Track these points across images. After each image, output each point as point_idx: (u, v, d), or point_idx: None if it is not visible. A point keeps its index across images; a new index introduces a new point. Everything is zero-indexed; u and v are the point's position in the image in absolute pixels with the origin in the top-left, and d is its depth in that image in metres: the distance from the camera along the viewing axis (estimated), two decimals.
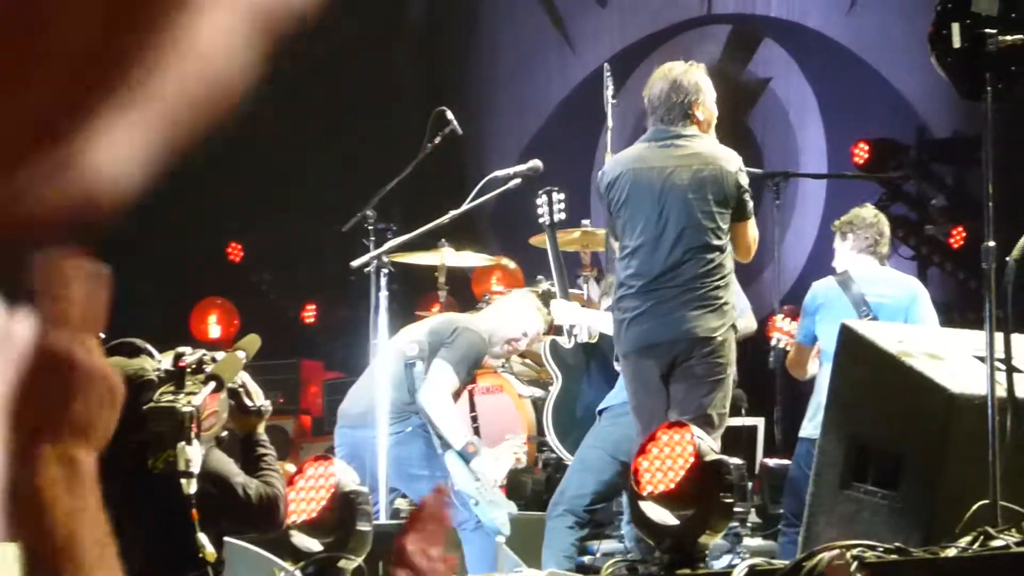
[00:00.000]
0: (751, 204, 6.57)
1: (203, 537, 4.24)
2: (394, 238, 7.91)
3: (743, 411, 8.40)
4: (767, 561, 5.71)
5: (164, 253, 12.93)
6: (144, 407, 4.21)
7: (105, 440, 1.25)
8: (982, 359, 5.41)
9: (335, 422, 7.61)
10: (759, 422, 9.07)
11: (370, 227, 8.16)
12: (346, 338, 13.16)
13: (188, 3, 0.40)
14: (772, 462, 8.74)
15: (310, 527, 5.31)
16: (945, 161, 12.60)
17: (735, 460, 5.56)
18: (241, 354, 4.51)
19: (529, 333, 7.56)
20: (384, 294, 7.54)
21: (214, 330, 13.35)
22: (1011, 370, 5.35)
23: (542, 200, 7.71)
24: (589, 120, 11.41)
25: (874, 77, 12.94)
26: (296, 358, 12.58)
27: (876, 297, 7.71)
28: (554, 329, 7.83)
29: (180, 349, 4.41)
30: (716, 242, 6.44)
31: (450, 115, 7.97)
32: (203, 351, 4.45)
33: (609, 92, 8.46)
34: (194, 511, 4.20)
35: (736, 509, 5.90)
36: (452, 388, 7.15)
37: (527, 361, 8.75)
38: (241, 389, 4.59)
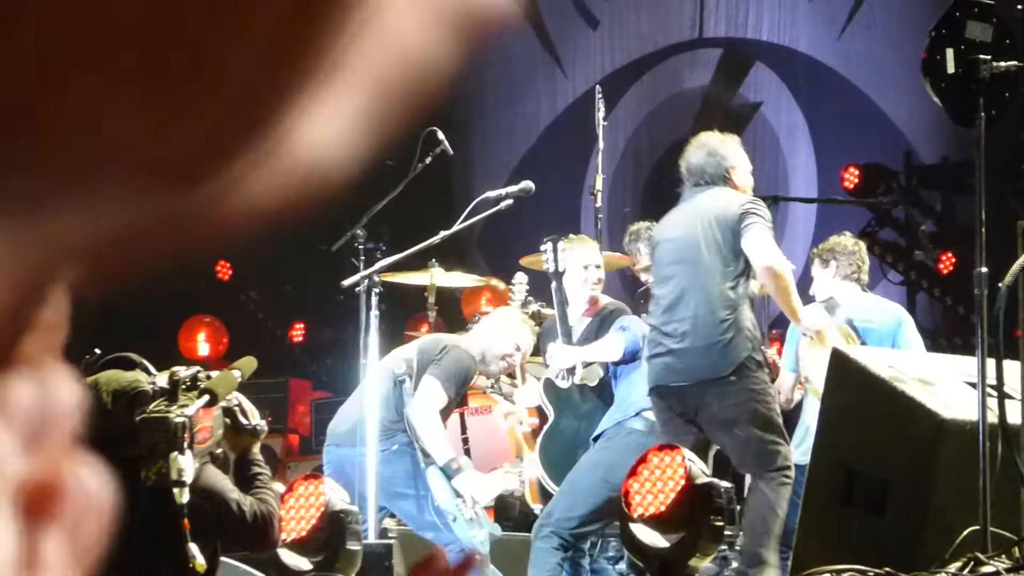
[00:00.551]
0: (752, 219, 6.56)
1: (194, 547, 4.23)
2: (384, 258, 7.90)
3: None
4: None
5: (152, 271, 12.87)
6: (137, 418, 4.21)
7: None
8: (973, 385, 5.42)
9: (323, 441, 7.60)
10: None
11: (360, 246, 8.15)
12: (334, 357, 13.16)
13: None
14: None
15: (300, 546, 5.31)
16: (934, 187, 12.63)
17: (724, 483, 5.56)
18: (237, 373, 4.53)
19: (522, 347, 7.57)
20: (374, 314, 7.53)
21: (202, 348, 13.33)
22: (1003, 396, 5.35)
23: (547, 247, 7.70)
24: (579, 141, 11.43)
25: (864, 102, 12.98)
26: (284, 377, 12.57)
27: (863, 323, 7.74)
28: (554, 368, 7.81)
29: (176, 368, 4.42)
30: (727, 284, 6.54)
31: (440, 135, 7.96)
32: (198, 368, 4.46)
33: (600, 114, 8.48)
34: (185, 520, 4.20)
35: (725, 532, 5.90)
36: (440, 404, 7.16)
37: (515, 382, 8.73)
38: (237, 408, 4.60)
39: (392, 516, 7.40)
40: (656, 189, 14.22)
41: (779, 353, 8.23)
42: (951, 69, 5.62)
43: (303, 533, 5.33)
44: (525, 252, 8.50)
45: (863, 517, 5.57)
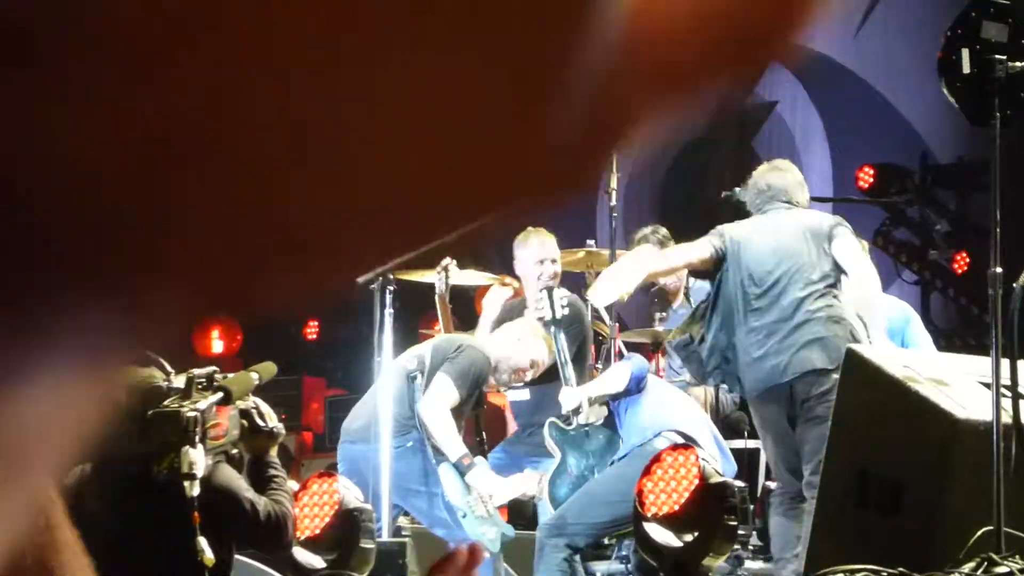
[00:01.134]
0: (842, 231, 7.03)
1: (203, 541, 4.24)
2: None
3: (745, 434, 8.38)
4: None
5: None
6: (149, 412, 4.22)
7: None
8: (988, 385, 5.41)
9: (337, 439, 7.58)
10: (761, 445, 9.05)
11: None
12: (348, 355, 13.17)
13: None
14: (774, 485, 8.72)
15: (313, 544, 5.31)
16: (949, 187, 12.61)
17: (738, 483, 5.56)
18: (255, 376, 4.54)
19: (537, 363, 7.50)
20: (388, 311, 7.54)
21: (216, 345, 13.35)
22: (1017, 396, 5.34)
23: (542, 295, 7.64)
24: None
25: (880, 101, 12.96)
26: (298, 375, 12.58)
27: None
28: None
29: (193, 370, 4.43)
30: (821, 282, 6.91)
31: None
32: (214, 368, 4.47)
33: None
34: (196, 514, 4.20)
35: (738, 532, 5.90)
36: (452, 402, 7.13)
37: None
38: (254, 409, 4.60)
39: (406, 514, 7.39)
40: (670, 188, 14.22)
41: None
42: (967, 69, 5.62)
43: (317, 531, 5.34)
44: None
45: (877, 517, 5.56)
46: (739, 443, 8.09)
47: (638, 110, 0.41)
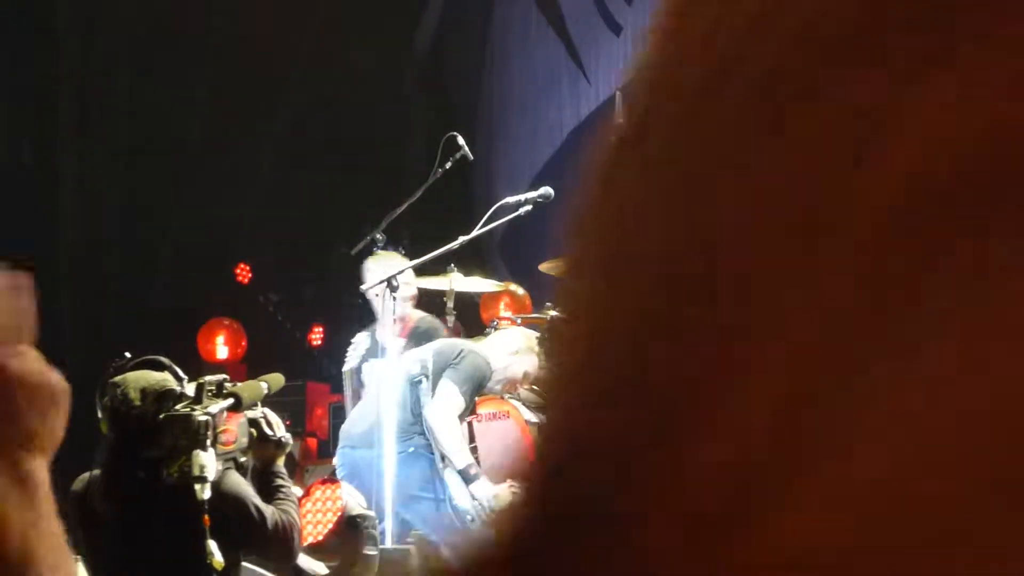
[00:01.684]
0: None
1: (212, 544, 4.25)
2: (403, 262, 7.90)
3: None
4: None
5: (173, 274, 12.92)
6: (160, 416, 4.25)
7: (55, 447, 1.22)
8: None
9: None
10: None
11: (379, 250, 8.15)
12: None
13: None
14: None
15: (316, 550, 5.31)
16: None
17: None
18: (264, 385, 4.60)
19: (530, 374, 7.55)
20: (392, 318, 7.53)
21: (221, 351, 13.33)
22: None
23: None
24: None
25: None
26: (302, 380, 12.56)
27: None
28: None
29: (204, 377, 4.48)
30: None
31: (461, 140, 7.96)
32: (224, 376, 4.51)
33: (622, 120, 8.46)
34: (206, 517, 4.22)
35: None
36: (459, 409, 7.14)
37: (533, 386, 8.72)
38: (262, 419, 4.65)
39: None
40: None
41: None
42: None
43: (320, 537, 5.34)
44: (545, 258, 8.48)
45: None
46: None
47: None
